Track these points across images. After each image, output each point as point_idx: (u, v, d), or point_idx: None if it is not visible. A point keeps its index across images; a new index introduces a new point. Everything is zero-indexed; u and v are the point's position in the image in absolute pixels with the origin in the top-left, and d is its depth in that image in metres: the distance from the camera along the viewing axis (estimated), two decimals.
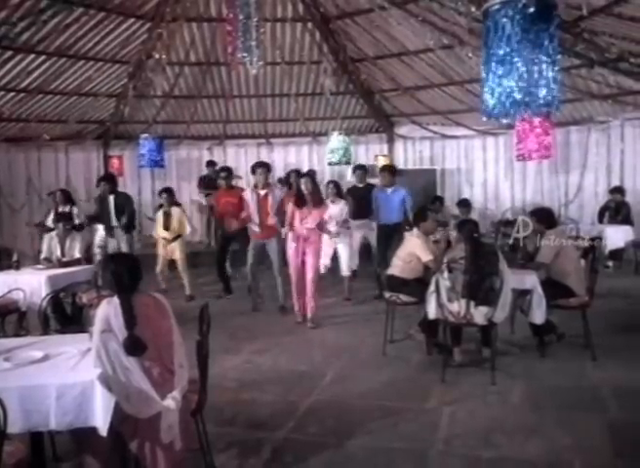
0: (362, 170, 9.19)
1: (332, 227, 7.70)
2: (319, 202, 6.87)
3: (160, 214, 8.46)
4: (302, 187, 6.78)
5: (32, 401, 2.79)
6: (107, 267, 3.18)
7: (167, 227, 8.29)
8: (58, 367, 3.07)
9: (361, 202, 8.47)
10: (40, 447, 3.09)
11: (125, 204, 8.37)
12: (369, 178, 9.08)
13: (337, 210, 7.80)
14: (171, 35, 9.69)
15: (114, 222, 8.31)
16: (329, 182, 8.36)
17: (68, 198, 8.50)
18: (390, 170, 8.55)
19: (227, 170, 8.77)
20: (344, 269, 8.07)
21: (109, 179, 8.55)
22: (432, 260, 5.55)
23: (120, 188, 11.95)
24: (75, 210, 8.27)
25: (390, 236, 7.91)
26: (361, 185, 8.96)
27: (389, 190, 8.24)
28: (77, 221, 8.03)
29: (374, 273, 8.87)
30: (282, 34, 10.04)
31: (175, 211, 8.43)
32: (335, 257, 8.21)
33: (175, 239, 8.30)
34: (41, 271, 6.35)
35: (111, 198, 8.35)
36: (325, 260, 8.05)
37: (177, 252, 8.27)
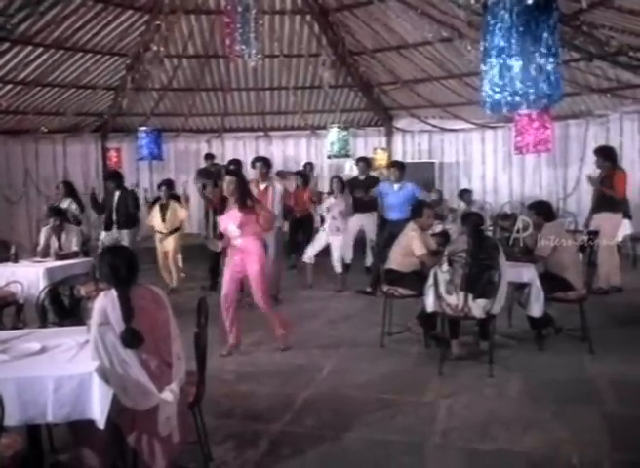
0: (364, 162, 9.22)
1: (337, 223, 7.98)
2: (244, 203, 5.37)
3: (157, 207, 8.48)
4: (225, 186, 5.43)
5: (29, 393, 2.78)
6: (104, 260, 3.18)
7: (163, 220, 8.31)
8: (55, 359, 3.06)
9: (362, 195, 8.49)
10: (37, 439, 3.09)
11: (127, 200, 8.24)
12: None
13: (338, 206, 7.97)
14: (169, 27, 9.65)
15: (114, 218, 8.18)
16: (333, 177, 8.44)
17: (70, 192, 8.41)
18: (399, 165, 8.40)
19: (237, 163, 8.79)
20: (337, 265, 8.14)
21: (114, 177, 8.47)
22: (426, 255, 5.55)
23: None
24: (74, 205, 8.18)
25: (395, 233, 7.87)
26: (362, 178, 8.97)
27: (396, 186, 8.12)
28: (72, 217, 7.91)
29: (365, 267, 8.98)
30: (280, 26, 10.01)
31: (171, 204, 8.46)
32: (327, 251, 8.25)
33: (171, 233, 8.32)
34: (39, 264, 6.35)
35: (116, 195, 8.24)
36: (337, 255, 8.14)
37: (171, 244, 8.29)
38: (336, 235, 8.06)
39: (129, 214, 8.16)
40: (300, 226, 9.73)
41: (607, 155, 7.54)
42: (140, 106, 11.68)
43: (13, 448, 2.70)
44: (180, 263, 8.62)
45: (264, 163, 7.46)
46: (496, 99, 4.57)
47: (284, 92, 11.67)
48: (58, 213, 7.15)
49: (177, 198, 8.82)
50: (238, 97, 11.83)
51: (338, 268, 8.13)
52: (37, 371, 2.90)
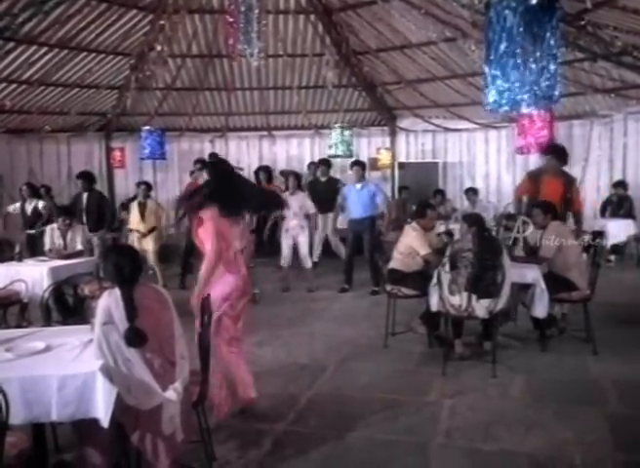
0: (325, 165, 9.61)
1: (300, 220, 8.01)
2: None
3: (135, 206, 8.55)
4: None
5: (34, 392, 2.79)
6: (109, 259, 3.18)
7: (142, 219, 8.46)
8: (59, 358, 3.07)
9: (323, 196, 8.79)
10: (42, 437, 3.09)
11: (99, 203, 8.48)
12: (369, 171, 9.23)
13: (296, 202, 8.02)
14: (173, 27, 9.66)
15: (84, 220, 8.33)
16: (289, 174, 8.51)
17: (34, 193, 8.53)
18: (361, 165, 8.54)
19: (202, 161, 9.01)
20: (305, 261, 8.21)
21: (85, 177, 8.64)
22: (430, 253, 5.55)
23: (121, 181, 12.13)
24: (41, 204, 8.31)
25: (360, 230, 8.13)
26: (323, 180, 9.33)
27: (359, 186, 8.24)
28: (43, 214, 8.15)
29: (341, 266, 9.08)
30: (284, 26, 10.01)
31: (149, 202, 8.54)
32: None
33: (149, 232, 8.38)
34: (43, 263, 6.36)
35: (85, 196, 8.47)
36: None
37: (150, 244, 8.33)
38: (301, 232, 8.12)
39: (98, 215, 8.32)
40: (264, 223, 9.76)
41: (564, 158, 6.39)
42: (144, 106, 11.69)
43: (18, 447, 2.71)
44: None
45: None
46: (498, 99, 4.57)
47: (288, 91, 11.67)
48: (68, 212, 7.18)
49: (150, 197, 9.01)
50: (242, 96, 11.82)
51: (307, 263, 8.20)
52: (41, 370, 2.90)
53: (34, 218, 8.29)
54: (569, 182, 6.37)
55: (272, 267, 8.71)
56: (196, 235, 3.99)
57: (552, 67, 4.36)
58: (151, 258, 8.43)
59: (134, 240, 8.52)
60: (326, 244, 9.41)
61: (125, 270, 3.07)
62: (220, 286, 3.89)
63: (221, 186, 3.97)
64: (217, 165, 4.36)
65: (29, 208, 8.32)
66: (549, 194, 6.10)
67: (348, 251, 8.26)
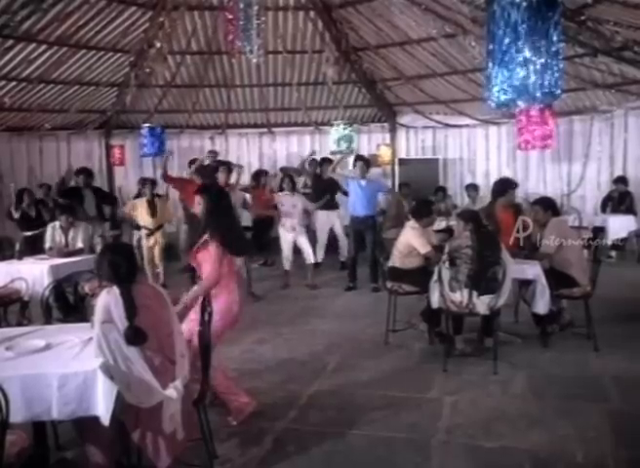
0: (328, 163, 9.50)
1: (293, 221, 8.01)
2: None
3: (144, 203, 8.53)
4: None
5: (34, 390, 2.79)
6: (105, 258, 3.18)
7: (152, 216, 8.43)
8: (60, 356, 3.07)
9: (325, 194, 8.79)
10: (42, 436, 3.09)
11: (105, 198, 8.80)
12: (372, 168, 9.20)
13: (290, 202, 8.07)
14: (172, 24, 9.63)
15: (91, 214, 8.52)
16: (284, 177, 8.66)
17: (34, 200, 8.67)
18: (365, 161, 8.48)
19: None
20: (308, 258, 8.18)
21: (85, 173, 8.88)
22: (431, 251, 5.53)
23: (121, 178, 12.11)
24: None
25: (362, 228, 8.08)
26: (326, 177, 9.32)
27: (363, 182, 8.14)
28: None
29: (340, 261, 9.12)
30: (284, 23, 9.97)
31: (158, 199, 8.54)
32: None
33: (158, 229, 8.37)
34: (43, 261, 6.36)
35: (87, 191, 8.69)
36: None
37: (159, 240, 8.32)
38: (299, 233, 8.11)
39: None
40: (265, 225, 9.76)
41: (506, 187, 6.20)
42: (144, 103, 11.66)
43: (18, 445, 2.71)
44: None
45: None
46: (499, 95, 4.56)
47: (287, 88, 11.65)
48: (68, 210, 7.17)
49: (159, 196, 9.04)
50: (241, 93, 11.80)
51: (309, 258, 8.16)
52: (42, 368, 2.90)
53: (38, 219, 8.34)
54: (518, 211, 6.05)
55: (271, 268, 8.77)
56: (194, 257, 3.92)
57: (555, 63, 4.34)
58: (157, 255, 8.40)
59: (142, 237, 8.52)
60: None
61: (121, 269, 3.07)
62: (228, 315, 3.88)
63: (224, 223, 3.88)
64: (213, 193, 4.10)
65: (33, 213, 8.37)
66: (503, 229, 5.63)
67: (351, 249, 8.23)
